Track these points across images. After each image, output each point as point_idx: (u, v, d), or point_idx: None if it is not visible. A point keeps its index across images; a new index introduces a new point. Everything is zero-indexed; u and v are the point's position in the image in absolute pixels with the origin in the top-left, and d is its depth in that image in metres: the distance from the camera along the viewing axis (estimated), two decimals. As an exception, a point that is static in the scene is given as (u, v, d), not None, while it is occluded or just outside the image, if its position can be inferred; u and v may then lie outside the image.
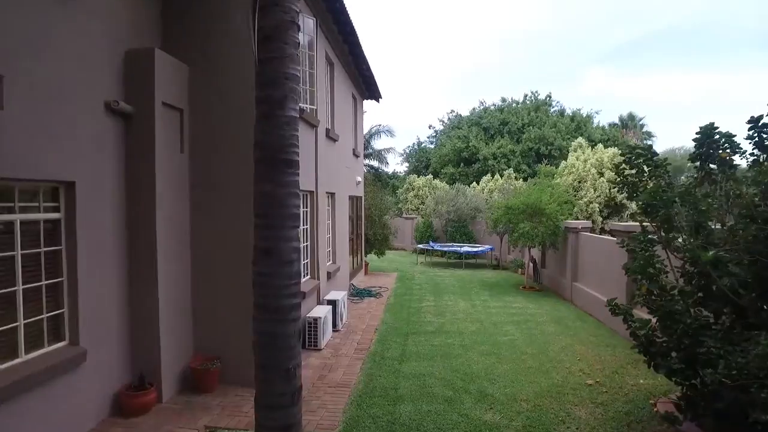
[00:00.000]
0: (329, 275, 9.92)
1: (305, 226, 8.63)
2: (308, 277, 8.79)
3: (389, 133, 32.03)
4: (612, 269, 9.35)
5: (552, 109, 38.66)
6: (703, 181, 4.90)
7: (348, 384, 6.35)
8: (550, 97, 39.04)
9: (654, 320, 5.06)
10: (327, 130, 9.86)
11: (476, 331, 8.92)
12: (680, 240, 4.83)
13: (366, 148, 31.78)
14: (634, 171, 5.50)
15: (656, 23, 78.10)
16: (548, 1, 77.52)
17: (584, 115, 37.61)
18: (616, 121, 40.66)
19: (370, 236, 16.17)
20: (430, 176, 30.05)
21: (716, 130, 4.77)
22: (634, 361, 7.26)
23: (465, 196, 22.72)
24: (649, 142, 40.49)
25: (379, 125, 31.96)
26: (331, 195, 10.79)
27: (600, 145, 17.08)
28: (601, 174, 15.64)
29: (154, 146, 5.45)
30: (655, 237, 5.41)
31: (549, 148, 33.86)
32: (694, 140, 4.94)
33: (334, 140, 10.65)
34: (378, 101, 16.24)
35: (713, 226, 4.93)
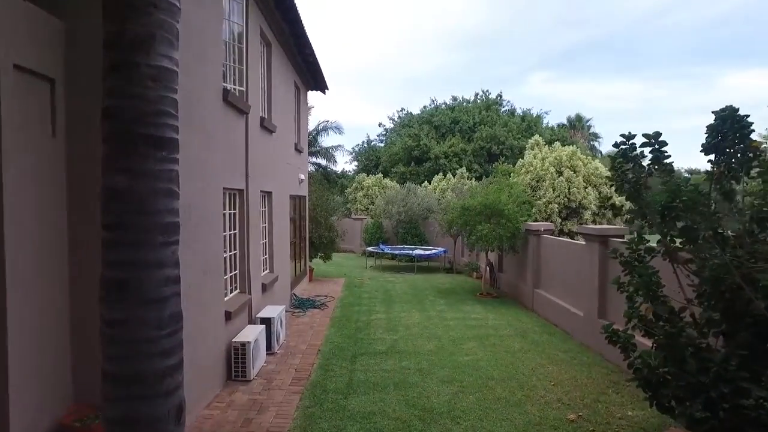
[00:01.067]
0: (264, 287, 8.54)
1: (233, 232, 7.22)
2: (237, 291, 7.38)
3: (337, 129, 30.70)
4: (581, 277, 8.50)
5: (502, 109, 38.55)
6: (721, 178, 3.95)
7: (279, 432, 5.05)
8: (500, 96, 38.95)
9: (654, 347, 4.10)
10: (262, 119, 8.47)
11: (434, 350, 7.80)
12: (700, 251, 3.85)
13: (312, 145, 30.27)
14: (630, 165, 4.52)
15: (595, 32, 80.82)
16: (492, 6, 78.48)
17: (534, 115, 37.70)
18: (564, 122, 41.15)
19: (315, 239, 14.82)
20: (380, 175, 28.94)
21: (737, 114, 3.84)
22: (613, 383, 6.36)
23: (416, 196, 21.75)
24: (595, 143, 41.23)
25: (327, 121, 30.58)
26: (267, 194, 9.40)
27: (557, 143, 16.56)
28: (560, 173, 15.02)
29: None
30: (655, 246, 4.46)
31: (500, 147, 33.57)
32: (709, 127, 3.99)
33: (271, 131, 9.26)
34: (324, 92, 14.91)
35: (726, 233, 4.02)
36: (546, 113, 38.61)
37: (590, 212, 14.57)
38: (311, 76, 13.37)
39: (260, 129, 8.43)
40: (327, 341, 8.31)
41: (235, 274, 7.35)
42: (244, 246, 7.44)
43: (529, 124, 36.51)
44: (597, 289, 7.86)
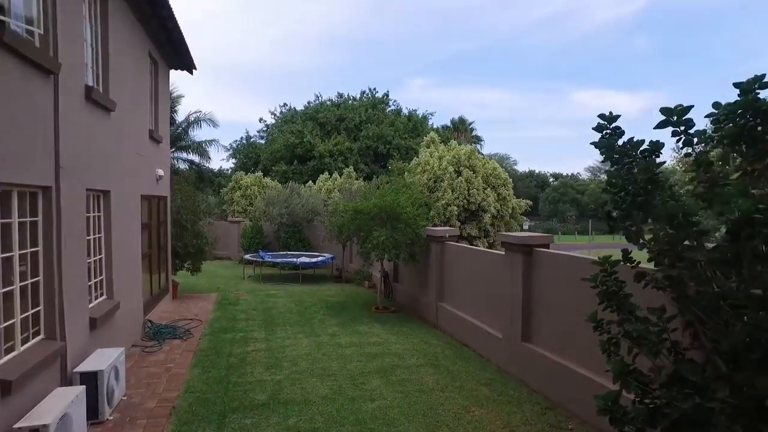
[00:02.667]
0: (94, 323, 6.15)
1: (30, 250, 4.84)
2: (40, 337, 5.00)
3: (212, 122, 27.54)
4: (499, 292, 7.37)
5: (389, 109, 37.95)
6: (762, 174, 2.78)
7: None
8: (387, 95, 38.32)
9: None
10: (89, 89, 6.09)
11: (330, 395, 6.09)
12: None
13: (182, 138, 26.81)
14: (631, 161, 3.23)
15: (470, 44, 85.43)
16: (376, 11, 78.87)
17: (420, 116, 37.64)
18: (448, 124, 41.87)
19: (180, 248, 12.28)
20: (260, 174, 26.43)
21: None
22: (553, 428, 5.19)
23: (300, 197, 19.86)
24: (477, 146, 42.50)
25: (199, 112, 27.29)
26: (102, 194, 6.97)
27: (453, 141, 15.73)
28: (459, 173, 14.16)
29: None
30: (650, 269, 3.23)
31: (387, 147, 32.82)
32: (727, 105, 2.81)
33: (108, 109, 6.86)
34: (191, 72, 12.41)
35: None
36: (431, 114, 38.77)
37: (490, 215, 13.90)
38: (173, 50, 10.87)
39: (86, 103, 6.04)
40: (187, 390, 6.20)
41: (38, 311, 4.97)
42: (53, 269, 5.07)
43: (416, 124, 36.36)
44: (520, 307, 6.75)
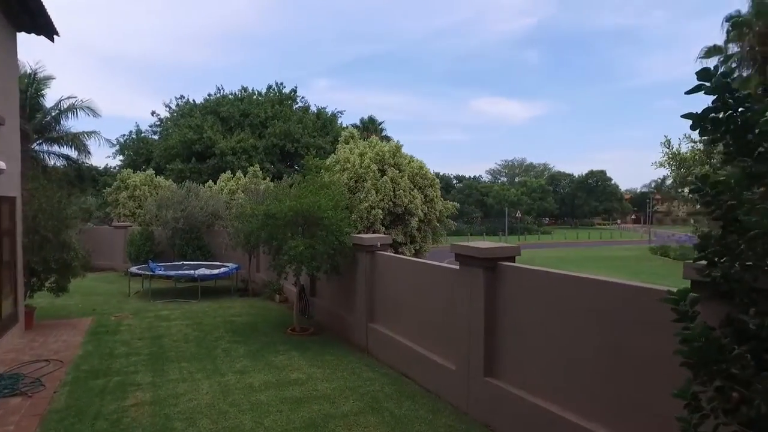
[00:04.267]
0: None
1: None
2: None
3: (91, 111, 23.82)
4: (452, 315, 6.08)
5: (296, 105, 35.87)
6: None
7: None
8: (295, 91, 36.18)
9: None
10: None
11: (242, 474, 4.39)
12: None
13: (51, 128, 22.86)
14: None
15: (373, 48, 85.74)
16: (281, 10, 76.01)
17: (329, 114, 36.00)
18: (357, 123, 40.66)
19: (38, 264, 9.66)
20: (152, 172, 23.27)
21: None
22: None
23: (199, 198, 17.47)
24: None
25: (74, 98, 23.43)
26: None
27: (374, 137, 14.33)
28: (383, 172, 12.78)
29: None
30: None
31: (295, 145, 30.81)
32: None
33: None
34: (52, 39, 9.83)
35: None
36: (341, 113, 37.27)
37: (417, 219, 12.69)
38: (21, 7, 8.36)
39: None
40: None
41: None
42: None
43: (325, 122, 34.68)
44: (482, 334, 5.50)
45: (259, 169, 22.16)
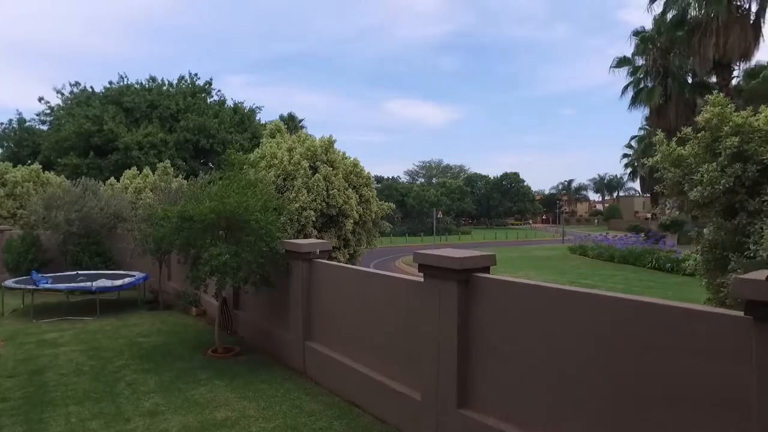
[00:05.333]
0: None
1: None
2: None
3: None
4: (414, 335, 5.18)
5: (211, 99, 33.39)
6: None
7: None
8: (210, 84, 33.64)
9: None
10: None
11: None
12: None
13: None
14: None
15: (290, 47, 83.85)
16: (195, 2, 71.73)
17: (247, 110, 33.90)
18: (277, 120, 38.76)
19: None
20: (38, 166, 20.20)
21: None
22: None
23: (98, 198, 15.28)
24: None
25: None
26: None
27: (305, 131, 13.00)
28: (315, 169, 11.56)
29: None
30: None
31: (211, 141, 28.54)
32: None
33: None
34: None
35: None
36: (260, 108, 35.22)
37: (352, 221, 11.64)
38: None
39: None
40: None
41: None
42: None
43: (243, 118, 32.58)
44: (455, 357, 4.65)
45: (170, 165, 20.01)
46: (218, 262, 7.19)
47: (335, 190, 11.22)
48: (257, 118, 35.17)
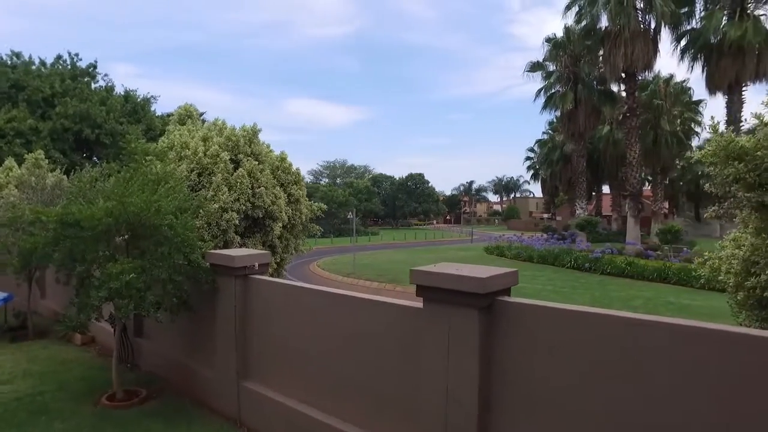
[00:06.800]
0: None
1: None
2: None
3: None
4: (408, 379, 3.91)
5: (96, 84, 29.24)
6: None
7: None
8: (95, 67, 29.39)
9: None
10: None
11: None
12: None
13: None
14: None
15: (182, 38, 78.47)
16: None
17: (141, 98, 30.18)
18: (171, 112, 35.19)
19: None
20: None
21: None
22: None
23: (-56, 196, 12.09)
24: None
25: None
26: None
27: (222, 119, 11.01)
28: (237, 163, 9.65)
29: None
30: None
31: (97, 131, 24.78)
32: None
33: None
34: None
35: None
36: (155, 98, 31.50)
37: (280, 225, 9.90)
38: None
39: None
40: None
41: None
42: None
43: (135, 107, 28.91)
44: (474, 410, 3.45)
45: (43, 157, 16.69)
46: (119, 283, 5.35)
47: (262, 188, 9.45)
48: (152, 109, 31.51)
